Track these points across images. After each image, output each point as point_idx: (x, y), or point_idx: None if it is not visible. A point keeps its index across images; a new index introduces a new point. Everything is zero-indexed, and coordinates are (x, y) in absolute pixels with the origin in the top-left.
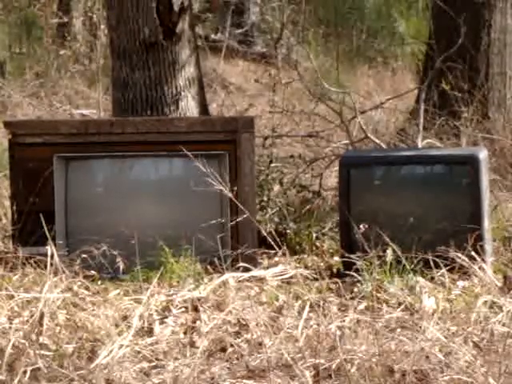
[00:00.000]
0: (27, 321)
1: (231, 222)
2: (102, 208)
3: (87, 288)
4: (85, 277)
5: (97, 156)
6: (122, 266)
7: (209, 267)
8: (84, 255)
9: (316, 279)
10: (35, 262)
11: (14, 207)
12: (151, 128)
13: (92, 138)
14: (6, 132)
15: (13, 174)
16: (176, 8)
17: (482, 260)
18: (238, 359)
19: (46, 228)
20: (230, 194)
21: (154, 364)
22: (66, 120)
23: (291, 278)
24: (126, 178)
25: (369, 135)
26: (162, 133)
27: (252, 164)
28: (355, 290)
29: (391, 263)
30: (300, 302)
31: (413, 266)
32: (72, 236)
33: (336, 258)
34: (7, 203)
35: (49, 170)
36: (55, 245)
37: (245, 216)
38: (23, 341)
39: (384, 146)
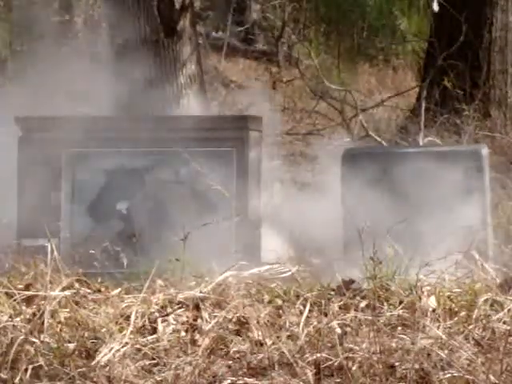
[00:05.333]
0: (28, 319)
1: (235, 219)
2: (109, 204)
3: (89, 286)
4: (86, 274)
5: (106, 152)
6: (125, 261)
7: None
8: (86, 252)
9: (318, 277)
10: (38, 258)
11: (21, 202)
12: (160, 125)
13: (102, 134)
14: (17, 128)
15: (20, 169)
16: (177, 6)
17: (484, 258)
18: (239, 357)
19: (47, 223)
20: (226, 194)
21: (155, 362)
22: (77, 116)
23: (292, 275)
24: (133, 174)
25: (370, 133)
26: (171, 129)
27: (259, 162)
28: (356, 288)
29: (392, 261)
30: (301, 300)
31: (414, 263)
32: (77, 232)
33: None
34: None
35: (58, 165)
36: (60, 240)
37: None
38: (24, 338)
39: (385, 143)
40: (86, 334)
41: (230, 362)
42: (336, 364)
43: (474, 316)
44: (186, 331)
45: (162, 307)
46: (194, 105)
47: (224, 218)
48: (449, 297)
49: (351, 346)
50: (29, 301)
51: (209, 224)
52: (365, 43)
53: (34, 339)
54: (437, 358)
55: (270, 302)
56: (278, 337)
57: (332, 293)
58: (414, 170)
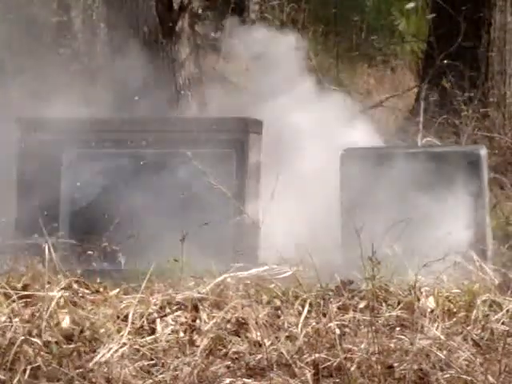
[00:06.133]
0: (27, 319)
1: (234, 220)
2: (109, 205)
3: (87, 286)
4: (85, 275)
5: (106, 153)
6: (123, 260)
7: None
8: (85, 251)
9: (316, 278)
10: (36, 259)
11: (19, 202)
12: (159, 126)
13: (101, 135)
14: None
15: (20, 170)
16: (176, 6)
17: (482, 258)
18: (237, 358)
19: (46, 224)
20: (229, 194)
21: (153, 362)
22: (77, 117)
23: (291, 276)
24: (133, 176)
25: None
26: (170, 131)
27: (258, 164)
28: (355, 288)
29: (391, 261)
30: (299, 300)
31: (413, 263)
32: (76, 232)
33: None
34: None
35: (58, 166)
36: (58, 240)
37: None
38: (22, 338)
39: (384, 144)
40: (85, 335)
41: (229, 363)
42: (335, 364)
43: (472, 317)
44: (185, 332)
45: (160, 308)
46: (193, 106)
47: (223, 219)
48: (447, 297)
49: (350, 346)
50: (27, 301)
51: (208, 225)
52: (363, 44)
53: (32, 340)
54: (435, 358)
55: (268, 302)
56: (276, 337)
57: (331, 293)
58: (413, 170)
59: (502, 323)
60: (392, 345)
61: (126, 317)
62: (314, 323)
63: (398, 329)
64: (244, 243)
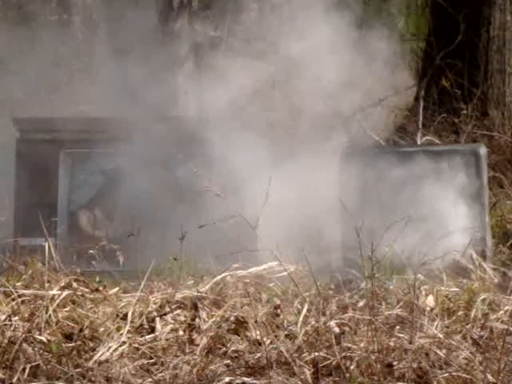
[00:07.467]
0: (26, 318)
1: (231, 219)
2: (106, 204)
3: (87, 285)
4: (84, 273)
5: (103, 153)
6: (121, 259)
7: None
8: (84, 251)
9: (315, 276)
10: (35, 257)
11: (18, 202)
12: (158, 125)
13: (98, 135)
14: (14, 129)
15: (18, 170)
16: (175, 5)
17: (482, 257)
18: (237, 356)
19: (45, 223)
20: (222, 196)
21: (153, 361)
22: (74, 117)
23: (290, 275)
24: (131, 175)
25: (368, 132)
26: (168, 130)
27: (254, 161)
28: (354, 287)
29: (390, 260)
30: (299, 299)
31: (412, 262)
32: (74, 231)
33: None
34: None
35: (55, 165)
36: (57, 239)
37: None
38: (22, 337)
39: (383, 143)
40: (84, 334)
41: (228, 361)
42: (334, 363)
43: (471, 315)
44: (184, 330)
45: (160, 306)
46: (192, 104)
47: (221, 218)
48: (447, 296)
49: (349, 345)
50: (27, 300)
51: (206, 224)
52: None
53: (31, 338)
54: (435, 357)
55: (267, 301)
56: (275, 336)
57: (330, 292)
58: (412, 169)
59: (502, 322)
60: (391, 343)
61: (126, 315)
62: (313, 322)
63: (397, 327)
64: (242, 242)
